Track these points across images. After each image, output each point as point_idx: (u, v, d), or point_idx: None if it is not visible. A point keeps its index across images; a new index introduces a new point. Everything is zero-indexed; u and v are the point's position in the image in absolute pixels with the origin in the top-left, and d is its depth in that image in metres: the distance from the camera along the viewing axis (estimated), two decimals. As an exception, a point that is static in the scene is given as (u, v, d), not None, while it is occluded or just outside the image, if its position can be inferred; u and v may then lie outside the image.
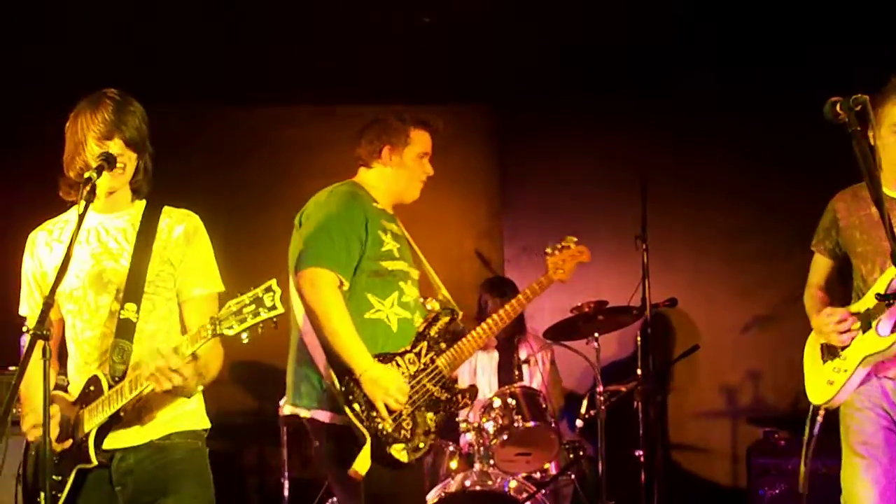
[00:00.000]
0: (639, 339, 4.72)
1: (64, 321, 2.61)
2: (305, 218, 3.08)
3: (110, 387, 2.46)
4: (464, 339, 3.17)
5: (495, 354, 4.88)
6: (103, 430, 2.47)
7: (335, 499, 3.90)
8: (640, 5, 4.71)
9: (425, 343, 3.06)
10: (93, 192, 2.40)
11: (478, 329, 3.23)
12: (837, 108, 2.37)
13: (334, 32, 4.82)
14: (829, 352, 3.24)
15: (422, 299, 3.18)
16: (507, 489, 4.06)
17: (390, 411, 2.89)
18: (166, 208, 2.64)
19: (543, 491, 4.14)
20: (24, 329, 2.61)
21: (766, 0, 4.81)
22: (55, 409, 2.48)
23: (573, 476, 4.40)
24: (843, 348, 3.16)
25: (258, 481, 5.30)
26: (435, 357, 3.06)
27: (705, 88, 5.08)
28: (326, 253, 2.93)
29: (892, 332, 2.97)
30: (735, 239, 5.15)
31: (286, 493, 4.58)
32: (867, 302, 3.12)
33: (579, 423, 4.48)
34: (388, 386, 2.88)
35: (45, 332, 2.21)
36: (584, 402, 4.50)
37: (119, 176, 2.52)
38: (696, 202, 5.18)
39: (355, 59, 5.00)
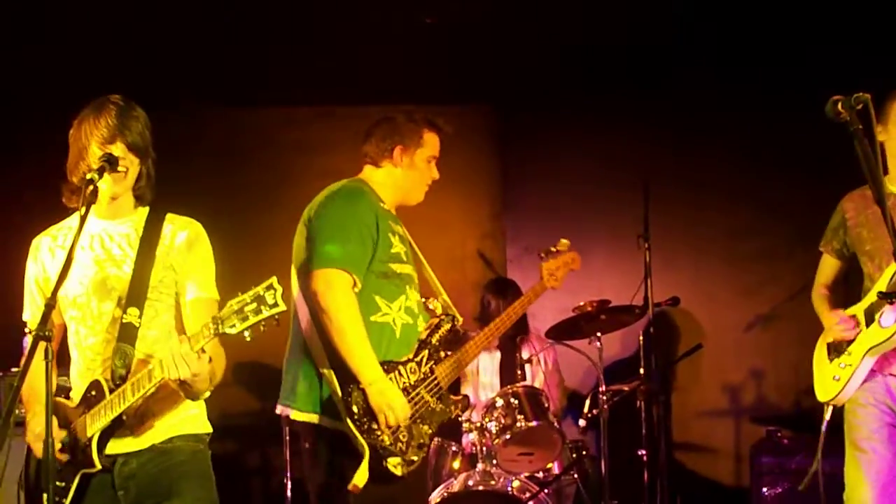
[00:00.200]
0: (641, 338, 4.72)
1: (65, 326, 2.61)
2: (316, 216, 2.99)
3: (111, 391, 2.46)
4: (463, 349, 3.16)
5: (497, 354, 4.89)
6: (106, 435, 2.47)
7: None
8: (640, 5, 4.71)
9: (426, 352, 3.02)
10: (94, 194, 2.39)
11: (476, 339, 3.22)
12: (839, 106, 2.38)
13: (334, 33, 4.82)
14: (836, 349, 3.27)
15: (423, 299, 3.18)
16: (509, 489, 4.06)
17: (389, 426, 2.83)
18: (169, 215, 2.65)
19: (546, 490, 4.13)
20: (27, 331, 2.62)
21: (766, 0, 4.81)
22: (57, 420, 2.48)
23: (576, 475, 4.40)
24: (849, 344, 3.20)
25: (261, 482, 5.30)
26: (434, 366, 3.03)
27: (705, 88, 5.08)
28: (341, 253, 2.86)
29: (895, 322, 3.01)
30: (736, 238, 5.15)
31: (289, 493, 4.58)
32: (871, 298, 3.15)
33: (582, 422, 4.47)
34: (393, 402, 2.82)
35: (47, 334, 2.20)
36: (587, 402, 4.50)
37: (121, 180, 2.52)
38: (697, 202, 5.18)
39: (356, 59, 5.00)
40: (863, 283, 3.31)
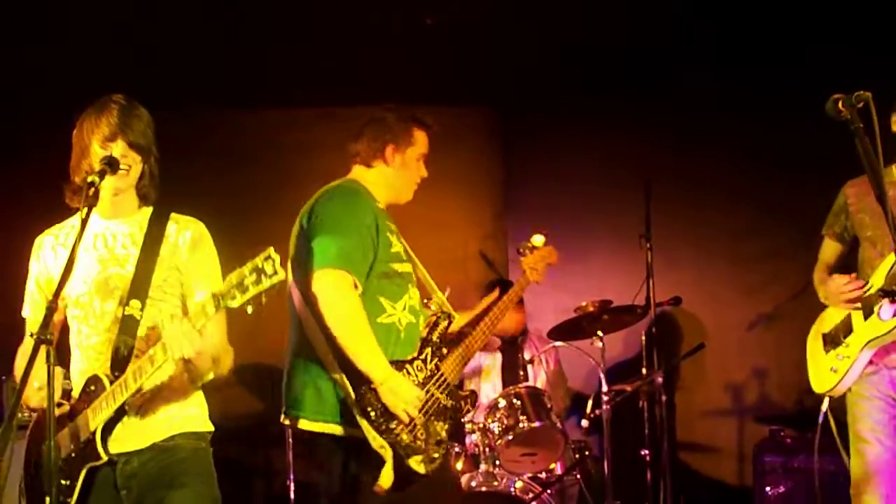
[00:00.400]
0: (643, 338, 4.72)
1: (66, 324, 2.61)
2: (314, 217, 2.95)
3: (112, 382, 2.46)
4: (464, 345, 3.14)
5: (499, 355, 4.89)
6: (109, 426, 2.47)
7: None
8: (640, 5, 4.71)
9: (430, 349, 3.00)
10: (95, 196, 2.39)
11: (475, 332, 3.21)
12: (840, 105, 2.39)
13: (335, 34, 4.82)
14: (832, 341, 3.29)
15: (425, 301, 3.18)
16: (512, 490, 4.06)
17: (407, 421, 2.79)
18: (173, 215, 2.65)
19: (549, 491, 4.14)
20: (28, 334, 2.62)
21: (766, 0, 4.82)
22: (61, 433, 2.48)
23: (579, 476, 4.40)
24: (846, 335, 3.21)
25: (264, 484, 5.31)
26: (439, 363, 3.01)
27: (705, 88, 5.08)
28: (341, 254, 2.82)
29: (894, 316, 3.03)
30: (738, 238, 5.15)
31: (292, 495, 4.58)
32: (870, 289, 3.17)
33: (585, 422, 4.48)
34: (406, 396, 2.79)
35: (48, 337, 2.20)
36: (590, 402, 4.50)
37: (124, 177, 2.52)
38: (697, 202, 5.18)
39: (356, 60, 5.01)
40: (861, 267, 3.32)
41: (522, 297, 4.16)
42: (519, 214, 5.59)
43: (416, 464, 2.82)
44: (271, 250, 2.29)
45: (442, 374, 3.00)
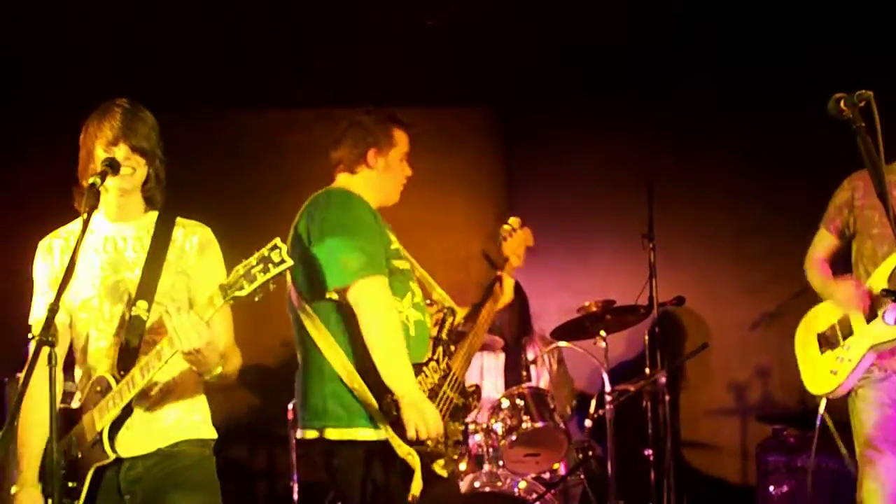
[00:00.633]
0: (647, 338, 4.72)
1: (69, 328, 2.60)
2: (318, 224, 2.86)
3: (118, 381, 2.45)
4: (469, 341, 3.14)
5: (502, 355, 4.89)
6: (116, 425, 2.47)
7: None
8: (640, 5, 4.72)
9: (441, 348, 2.99)
10: (97, 198, 2.39)
11: (476, 328, 3.20)
12: (842, 104, 2.37)
13: (335, 34, 4.83)
14: (828, 342, 3.24)
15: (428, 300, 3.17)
16: (516, 490, 4.05)
17: (420, 439, 2.72)
18: (179, 219, 2.65)
19: (553, 491, 4.14)
20: (30, 336, 2.61)
21: (766, 0, 4.82)
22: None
23: (582, 476, 4.40)
24: (845, 336, 3.16)
25: (267, 485, 5.31)
26: (449, 361, 3.00)
27: (705, 88, 5.08)
28: (371, 259, 2.76)
29: None
30: (740, 236, 5.15)
31: (295, 496, 4.58)
32: (872, 290, 3.12)
33: (588, 422, 4.48)
34: (427, 416, 2.71)
35: (50, 339, 2.20)
36: (593, 402, 4.51)
37: (128, 178, 2.52)
38: (698, 201, 5.18)
39: (356, 60, 5.01)
40: (856, 264, 3.26)
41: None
42: (521, 215, 5.57)
43: (440, 468, 2.82)
44: (278, 240, 2.31)
45: (453, 373, 2.99)
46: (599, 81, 5.21)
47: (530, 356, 4.74)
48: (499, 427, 4.17)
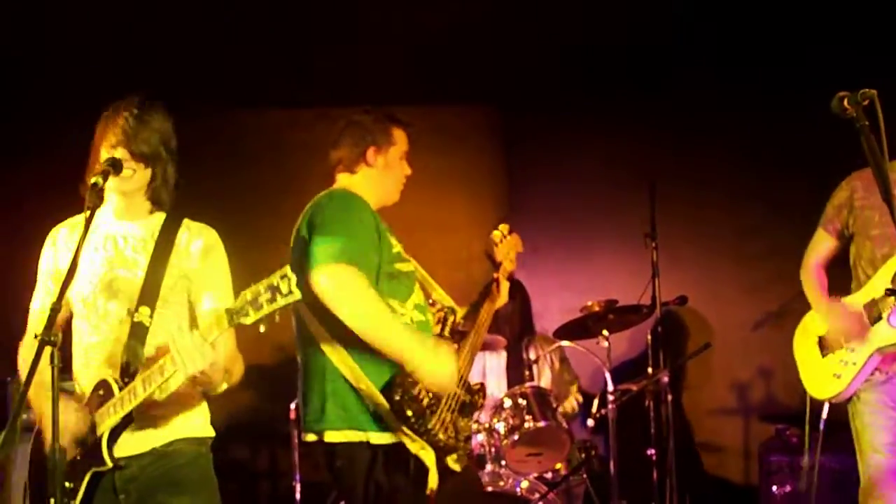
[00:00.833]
0: (649, 337, 4.72)
1: (70, 323, 2.60)
2: (314, 221, 2.84)
3: (121, 388, 2.45)
4: (471, 339, 3.12)
5: (504, 355, 4.88)
6: (116, 432, 2.46)
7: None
8: (640, 5, 4.73)
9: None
10: (99, 197, 2.39)
11: (476, 325, 3.18)
12: (845, 102, 2.36)
13: (335, 34, 4.83)
14: (830, 345, 3.21)
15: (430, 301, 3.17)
16: (518, 490, 4.05)
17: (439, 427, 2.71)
18: (186, 221, 2.64)
19: (555, 491, 4.13)
20: (33, 335, 2.61)
21: (766, 0, 4.82)
22: (69, 418, 2.46)
23: (585, 475, 4.39)
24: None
25: (270, 485, 5.30)
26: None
27: (705, 88, 5.08)
28: (345, 251, 2.68)
29: None
30: (741, 236, 5.15)
31: (298, 496, 4.58)
32: (872, 290, 3.10)
33: (591, 422, 4.47)
34: (451, 370, 2.67)
35: (52, 339, 2.19)
36: (596, 402, 4.50)
37: (127, 180, 2.52)
38: (699, 201, 5.18)
39: (356, 60, 5.01)
40: (855, 266, 3.24)
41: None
42: (523, 216, 5.57)
43: (453, 462, 2.81)
44: (287, 269, 2.23)
45: (458, 370, 2.94)
46: (600, 81, 5.21)
47: (532, 356, 4.74)
48: (501, 427, 4.16)
